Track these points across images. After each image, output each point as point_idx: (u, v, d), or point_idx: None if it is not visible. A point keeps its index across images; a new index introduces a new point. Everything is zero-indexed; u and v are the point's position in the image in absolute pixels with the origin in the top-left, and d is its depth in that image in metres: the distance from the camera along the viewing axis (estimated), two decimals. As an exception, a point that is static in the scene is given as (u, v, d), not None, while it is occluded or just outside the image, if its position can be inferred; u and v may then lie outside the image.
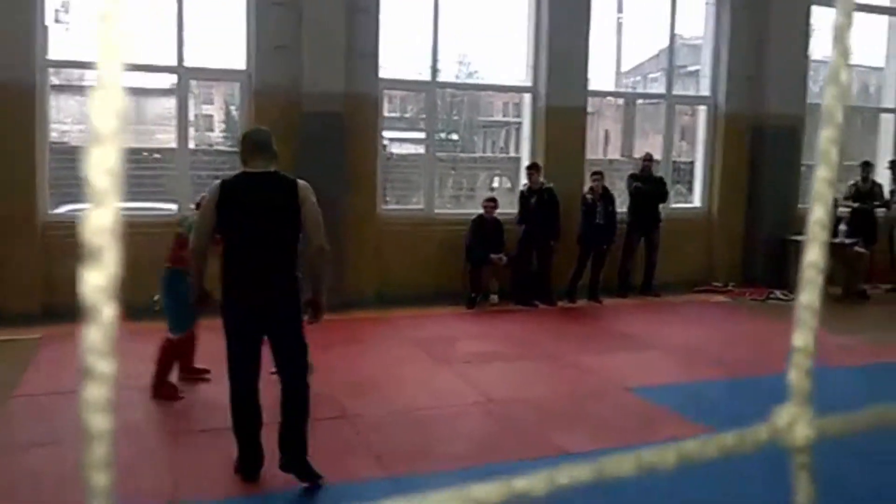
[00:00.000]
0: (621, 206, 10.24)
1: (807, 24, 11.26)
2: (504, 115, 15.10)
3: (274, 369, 4.29)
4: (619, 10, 11.84)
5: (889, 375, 6.65)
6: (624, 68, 12.28)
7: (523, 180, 9.92)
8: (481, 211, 9.61)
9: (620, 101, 12.35)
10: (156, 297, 5.67)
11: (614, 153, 12.43)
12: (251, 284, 4.08)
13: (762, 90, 11.09)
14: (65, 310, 7.89)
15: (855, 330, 7.94)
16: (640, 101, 12.01)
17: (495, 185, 11.65)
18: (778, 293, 10.30)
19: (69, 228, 8.86)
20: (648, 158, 10.48)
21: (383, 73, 9.54)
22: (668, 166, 11.15)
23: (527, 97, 10.49)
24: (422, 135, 10.49)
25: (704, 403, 5.83)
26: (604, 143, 13.63)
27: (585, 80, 10.39)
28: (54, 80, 8.97)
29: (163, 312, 5.66)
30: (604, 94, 11.71)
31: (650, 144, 11.65)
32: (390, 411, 5.46)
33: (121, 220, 0.37)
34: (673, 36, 11.14)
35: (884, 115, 12.68)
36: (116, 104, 0.35)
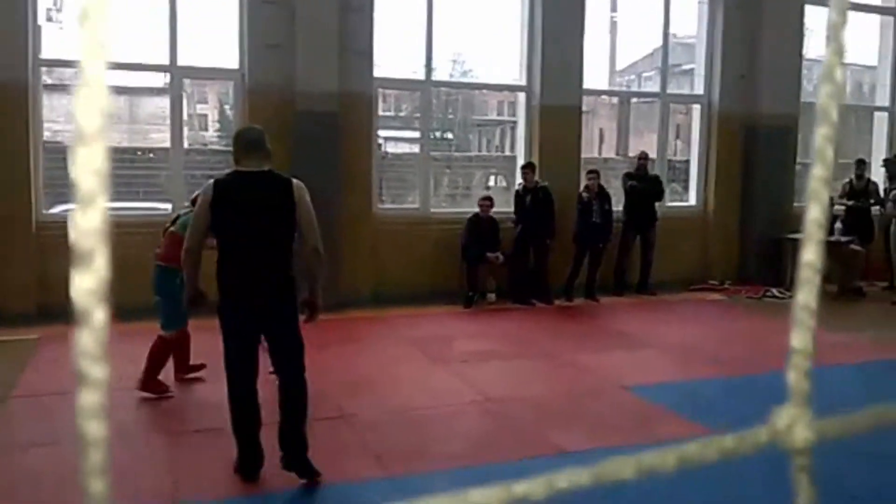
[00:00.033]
0: (617, 205, 10.25)
1: (801, 22, 11.28)
2: (499, 114, 15.11)
3: (272, 369, 4.29)
4: (613, 8, 11.86)
5: (886, 373, 6.67)
6: (618, 67, 12.30)
7: (519, 179, 9.92)
8: (477, 210, 9.61)
9: (615, 99, 12.37)
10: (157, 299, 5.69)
11: (609, 152, 12.45)
12: (247, 284, 4.07)
13: (756, 89, 11.11)
14: (61, 310, 7.84)
15: (851, 327, 7.95)
16: (634, 99, 12.03)
17: (491, 183, 11.65)
18: (774, 291, 10.32)
19: (64, 228, 8.81)
20: (644, 157, 10.49)
21: (378, 71, 9.53)
22: (663, 165, 11.17)
23: (521, 96, 10.49)
24: (416, 134, 10.49)
25: (701, 401, 5.83)
26: (599, 142, 13.65)
27: (580, 78, 10.39)
28: (47, 80, 8.95)
29: (155, 310, 5.66)
30: (598, 93, 11.73)
31: (645, 143, 11.67)
32: (387, 411, 5.45)
33: (109, 221, 0.36)
34: (667, 35, 11.15)
35: (877, 114, 12.73)
36: (101, 103, 0.35)
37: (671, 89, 11.56)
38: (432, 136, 10.61)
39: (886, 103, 12.59)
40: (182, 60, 8.86)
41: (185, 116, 9.57)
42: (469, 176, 11.36)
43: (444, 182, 10.95)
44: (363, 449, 4.79)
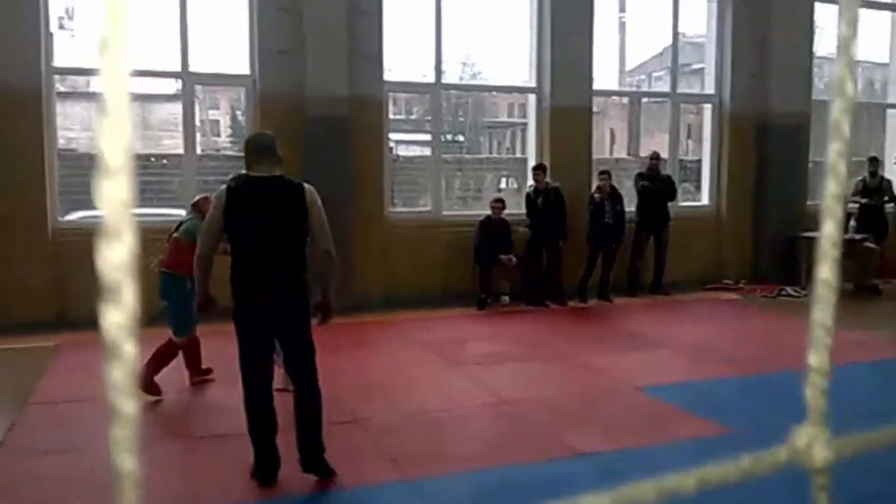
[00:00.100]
0: (629, 205, 10.22)
1: (810, 20, 11.22)
2: (509, 116, 15.10)
3: (280, 385, 4.33)
4: (622, 9, 11.84)
5: (902, 371, 6.61)
6: (628, 67, 12.27)
7: (530, 181, 9.91)
8: (489, 212, 9.61)
9: (625, 99, 12.33)
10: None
11: (620, 152, 12.42)
12: (260, 288, 4.10)
13: (767, 88, 11.06)
14: (78, 317, 7.97)
15: (867, 325, 7.89)
16: (644, 99, 11.98)
17: (502, 186, 11.65)
18: (789, 289, 10.27)
19: (80, 235, 8.93)
20: (655, 157, 10.46)
21: (387, 75, 9.55)
22: (674, 165, 11.13)
23: (531, 98, 10.48)
24: (427, 136, 10.50)
25: (715, 401, 5.81)
26: (610, 143, 13.62)
27: (590, 79, 10.37)
28: (60, 87, 9.01)
29: (164, 316, 5.70)
30: (608, 94, 11.70)
31: (656, 143, 11.64)
32: (402, 414, 5.46)
33: (135, 252, 0.37)
34: (676, 34, 11.11)
35: (890, 111, 12.65)
36: (125, 136, 0.35)
37: (681, 89, 11.53)
38: (443, 139, 10.62)
39: (899, 100, 12.51)
40: (194, 67, 8.92)
41: (197, 122, 9.63)
42: (480, 178, 11.36)
43: (455, 185, 10.95)
44: (378, 452, 4.80)
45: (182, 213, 8.74)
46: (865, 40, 12.36)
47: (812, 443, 0.45)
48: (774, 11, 10.92)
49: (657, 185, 10.23)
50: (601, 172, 9.99)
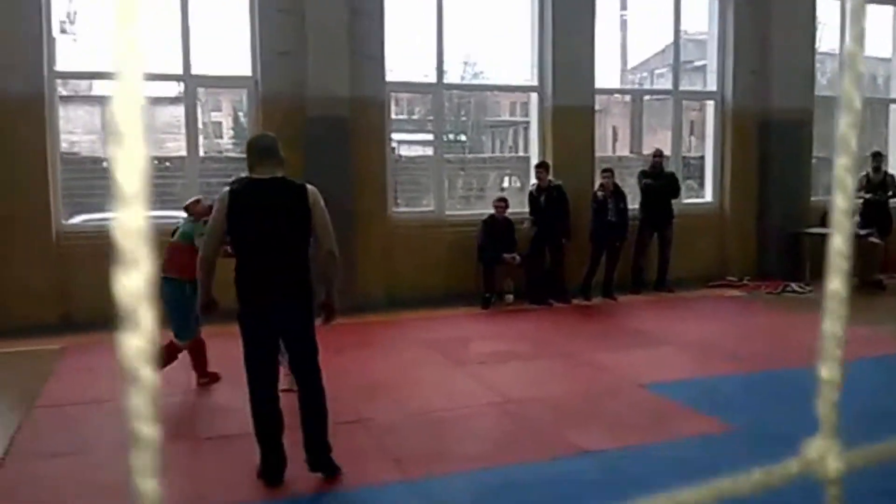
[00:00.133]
0: (633, 203, 10.22)
1: (812, 16, 11.21)
2: (511, 115, 15.09)
3: (284, 386, 4.35)
4: (623, 6, 11.82)
5: (907, 367, 6.61)
6: (629, 65, 12.25)
7: (533, 180, 9.91)
8: (492, 211, 9.61)
9: (627, 97, 12.31)
10: None
11: (623, 150, 12.41)
12: (264, 290, 4.11)
13: (769, 84, 11.05)
14: (82, 319, 7.99)
15: (873, 321, 7.88)
16: (647, 97, 11.97)
17: (505, 185, 11.64)
18: (793, 285, 10.26)
19: (84, 238, 8.92)
20: (658, 154, 10.45)
21: (389, 75, 9.55)
22: (677, 162, 11.12)
23: (533, 97, 10.48)
24: (429, 136, 10.50)
25: (720, 398, 5.81)
26: (612, 141, 13.61)
27: (592, 77, 10.37)
28: (62, 91, 9.02)
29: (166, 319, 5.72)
30: (610, 92, 11.68)
31: (659, 140, 11.63)
32: (406, 414, 5.46)
33: (152, 278, 0.38)
34: (678, 31, 11.10)
35: (893, 106, 12.62)
36: (140, 165, 0.36)
37: (684, 86, 11.51)
38: (446, 139, 10.62)
39: (902, 95, 12.48)
40: (196, 69, 8.93)
41: (199, 125, 9.64)
42: (483, 177, 11.36)
43: (458, 184, 10.95)
44: (382, 452, 4.80)
45: (185, 215, 8.78)
46: (868, 35, 12.31)
47: (824, 455, 0.45)
48: (776, 7, 10.91)
49: (660, 182, 10.22)
50: (604, 170, 9.99)
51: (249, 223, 4.11)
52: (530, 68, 10.41)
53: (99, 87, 10.05)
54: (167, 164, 9.99)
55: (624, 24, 11.72)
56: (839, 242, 0.48)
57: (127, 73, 0.37)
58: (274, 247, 4.12)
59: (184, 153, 9.12)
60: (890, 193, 11.00)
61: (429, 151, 10.55)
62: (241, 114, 10.98)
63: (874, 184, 10.94)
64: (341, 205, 7.49)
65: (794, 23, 10.96)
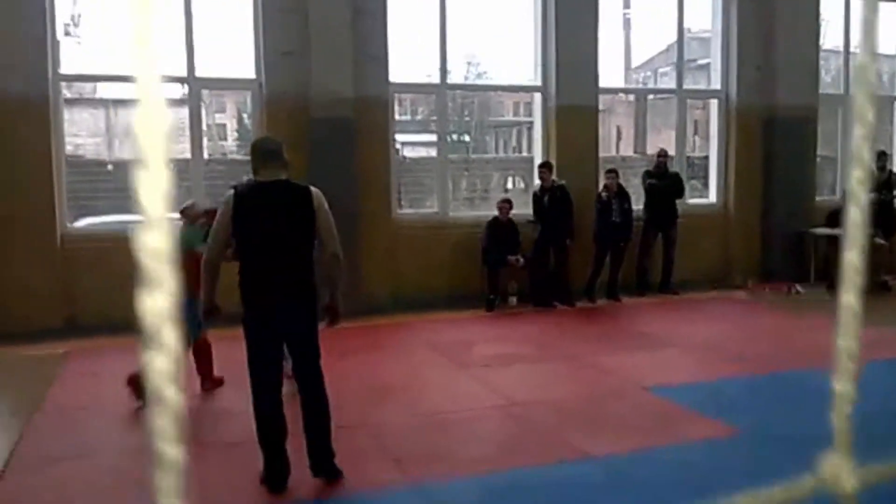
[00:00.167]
0: (637, 204, 10.21)
1: (816, 12, 11.19)
2: (515, 115, 15.08)
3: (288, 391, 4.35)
4: (626, 5, 11.80)
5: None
6: (633, 64, 12.23)
7: (537, 180, 9.91)
8: (496, 213, 9.60)
9: (631, 97, 12.30)
10: None
11: (627, 150, 12.39)
12: (268, 292, 4.11)
13: (773, 82, 11.02)
14: (87, 323, 8.00)
15: (879, 322, 7.81)
16: (650, 96, 11.95)
17: (509, 185, 11.63)
18: (799, 287, 10.24)
19: (88, 241, 8.91)
20: (663, 154, 10.43)
21: (392, 76, 9.55)
22: (682, 162, 11.10)
23: (537, 97, 10.47)
24: (433, 137, 10.50)
25: (724, 401, 5.79)
26: (616, 140, 13.58)
27: (595, 77, 10.36)
28: (67, 94, 9.04)
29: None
30: (614, 91, 11.66)
31: (663, 140, 11.61)
32: (410, 417, 5.46)
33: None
34: (681, 30, 11.09)
35: (898, 103, 12.58)
36: (163, 189, 0.36)
37: (687, 84, 11.50)
38: (449, 140, 10.61)
39: (907, 93, 12.45)
40: (199, 71, 8.94)
41: (203, 127, 9.65)
42: (487, 178, 11.36)
43: (462, 185, 10.95)
44: (386, 455, 4.80)
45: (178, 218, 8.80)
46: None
47: (839, 472, 0.45)
48: (779, 4, 10.89)
49: (665, 182, 10.20)
50: (608, 171, 9.98)
51: (254, 226, 4.11)
52: (534, 68, 10.41)
53: (103, 90, 10.08)
54: (172, 166, 10.00)
55: (627, 22, 11.71)
56: (853, 256, 0.48)
57: (148, 107, 0.37)
58: (278, 250, 4.12)
59: (188, 155, 9.13)
60: (894, 193, 10.95)
61: (432, 152, 10.55)
62: (245, 116, 10.99)
63: (879, 183, 10.89)
64: (345, 206, 7.49)
65: (797, 19, 10.94)
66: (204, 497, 4.28)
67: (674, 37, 11.19)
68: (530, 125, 11.14)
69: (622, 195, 9.85)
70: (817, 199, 11.10)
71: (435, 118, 10.37)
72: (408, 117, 12.09)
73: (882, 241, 10.46)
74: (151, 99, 0.37)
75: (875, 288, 10.08)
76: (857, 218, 0.48)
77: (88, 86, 9.88)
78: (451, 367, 6.87)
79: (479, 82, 11.73)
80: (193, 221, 5.86)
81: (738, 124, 11.17)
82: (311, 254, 4.25)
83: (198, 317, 4.67)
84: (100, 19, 9.21)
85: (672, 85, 11.54)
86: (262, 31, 8.97)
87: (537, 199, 9.66)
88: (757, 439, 4.83)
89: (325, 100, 8.83)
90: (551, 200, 9.51)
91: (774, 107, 11.00)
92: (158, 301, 0.36)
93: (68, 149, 8.97)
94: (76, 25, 9.64)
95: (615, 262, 9.87)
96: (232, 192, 4.27)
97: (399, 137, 10.56)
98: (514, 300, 9.54)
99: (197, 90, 9.06)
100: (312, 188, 4.25)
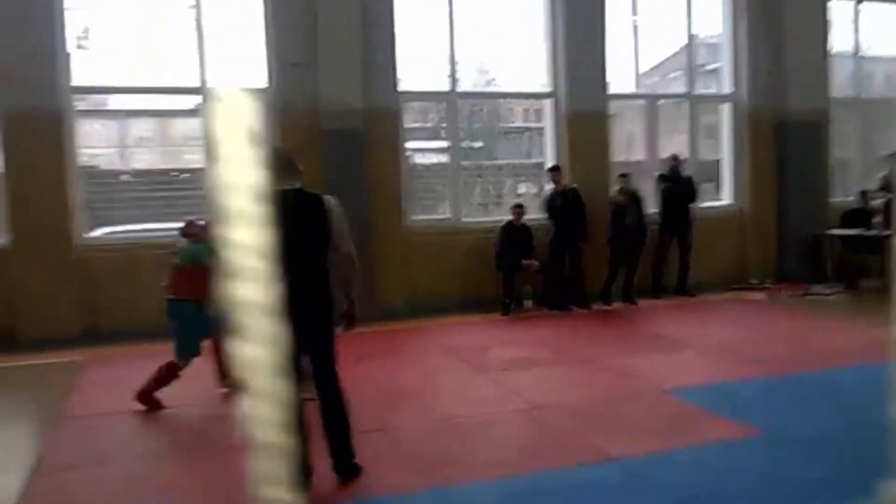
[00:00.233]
0: (651, 208, 10.19)
1: (824, 17, 11.18)
2: (525, 121, 15.06)
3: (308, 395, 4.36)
4: (634, 11, 11.79)
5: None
6: (643, 69, 12.21)
7: (549, 184, 9.90)
8: (509, 217, 9.60)
9: (642, 102, 12.25)
10: None
11: (639, 155, 12.33)
12: (286, 297, 4.12)
13: (784, 85, 11.02)
14: (104, 331, 8.05)
15: None
16: (661, 101, 11.92)
17: (522, 191, 11.63)
18: (815, 288, 10.17)
19: (104, 250, 8.99)
20: (676, 158, 10.42)
21: (402, 84, 9.57)
22: (695, 165, 11.07)
23: (548, 103, 10.48)
24: (444, 144, 10.51)
25: (742, 403, 5.76)
26: (628, 145, 13.54)
27: (605, 83, 10.38)
28: (80, 106, 9.11)
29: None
30: (624, 97, 11.63)
31: (675, 144, 11.57)
32: (429, 421, 5.46)
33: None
34: (691, 35, 11.09)
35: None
36: (248, 188, 0.36)
37: (698, 89, 11.49)
38: (461, 146, 10.62)
39: (919, 94, 12.38)
40: (212, 82, 8.98)
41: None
42: (499, 184, 11.36)
43: (475, 191, 10.96)
44: (406, 460, 4.79)
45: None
46: (882, 34, 12.26)
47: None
48: (787, 9, 10.88)
49: (678, 186, 10.18)
50: (621, 175, 9.97)
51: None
52: (544, 75, 10.41)
53: (116, 101, 10.16)
54: (186, 175, 10.05)
55: (636, 28, 11.68)
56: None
57: (229, 104, 0.38)
58: (294, 258, 4.13)
59: (201, 165, 9.18)
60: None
61: (444, 159, 10.56)
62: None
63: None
64: (358, 216, 7.51)
65: (806, 23, 10.94)
66: (227, 500, 4.29)
67: (683, 42, 11.18)
68: (541, 130, 11.13)
69: (636, 199, 9.84)
70: (831, 200, 11.04)
71: (445, 125, 10.39)
72: (419, 125, 12.09)
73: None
74: (231, 104, 0.38)
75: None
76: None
77: (101, 97, 9.94)
78: (468, 370, 6.87)
79: (489, 89, 11.72)
80: (198, 238, 5.93)
81: (751, 128, 11.16)
82: (326, 261, 4.27)
83: (208, 323, 4.70)
84: (110, 31, 9.28)
85: (682, 89, 11.53)
86: (273, 42, 9.02)
87: (551, 201, 9.65)
88: (773, 441, 4.79)
89: (335, 111, 8.87)
90: (564, 203, 9.51)
91: (785, 111, 11.00)
92: (250, 293, 0.36)
93: (83, 160, 9.03)
94: (87, 38, 9.71)
95: (630, 265, 9.85)
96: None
97: (410, 145, 10.56)
98: (529, 304, 9.54)
99: (210, 101, 9.09)
100: (326, 195, 4.29)
